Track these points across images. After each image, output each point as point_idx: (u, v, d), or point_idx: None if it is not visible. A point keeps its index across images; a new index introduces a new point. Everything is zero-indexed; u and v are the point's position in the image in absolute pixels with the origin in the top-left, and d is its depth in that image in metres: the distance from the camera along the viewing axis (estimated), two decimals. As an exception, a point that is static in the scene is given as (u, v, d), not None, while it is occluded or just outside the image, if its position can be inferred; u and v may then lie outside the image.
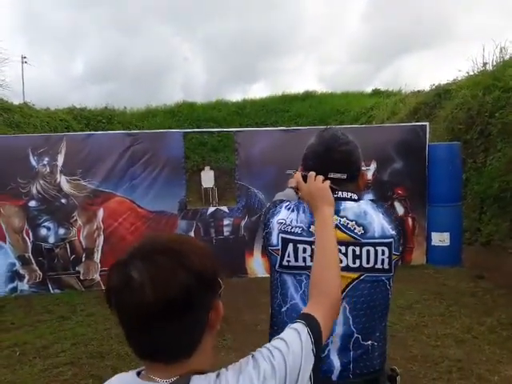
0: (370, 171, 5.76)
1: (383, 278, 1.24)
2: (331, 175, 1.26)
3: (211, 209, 5.83)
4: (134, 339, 0.73)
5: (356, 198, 1.29)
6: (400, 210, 5.89)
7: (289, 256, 1.24)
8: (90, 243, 5.35)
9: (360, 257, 1.22)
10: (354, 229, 1.24)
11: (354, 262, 1.22)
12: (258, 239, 5.50)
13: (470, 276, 5.28)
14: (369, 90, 19.66)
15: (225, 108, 18.44)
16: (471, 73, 8.80)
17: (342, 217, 1.25)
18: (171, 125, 15.34)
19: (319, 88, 24.14)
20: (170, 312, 0.69)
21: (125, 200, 5.34)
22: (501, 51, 8.25)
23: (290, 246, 1.24)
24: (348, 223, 1.24)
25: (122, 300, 0.70)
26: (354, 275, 1.22)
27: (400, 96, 14.13)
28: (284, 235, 1.25)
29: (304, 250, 1.23)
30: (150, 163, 5.42)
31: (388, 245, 1.23)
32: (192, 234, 5.51)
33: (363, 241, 1.23)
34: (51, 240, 5.26)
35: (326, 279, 0.99)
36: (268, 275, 1.39)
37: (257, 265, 5.59)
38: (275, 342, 0.80)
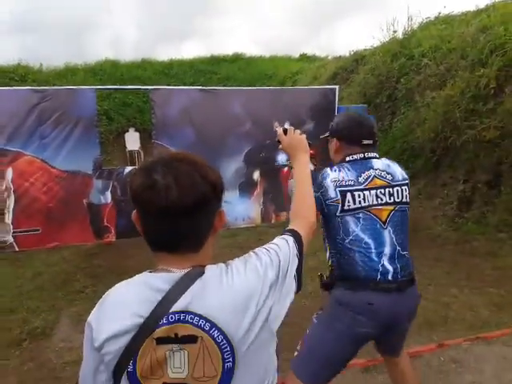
0: (283, 131, 6.04)
1: (406, 208, 1.81)
2: (364, 142, 1.83)
3: (128, 168, 5.81)
4: (153, 233, 0.87)
5: (378, 156, 1.86)
6: (310, 168, 6.29)
7: (349, 202, 1.73)
8: (0, 204, 5.16)
9: (393, 194, 1.77)
10: (386, 176, 1.79)
11: (390, 199, 1.76)
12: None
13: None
14: (297, 55, 19.86)
15: (151, 68, 17.67)
16: (384, 40, 9.31)
17: (376, 169, 1.79)
18: (93, 84, 14.45)
19: (255, 51, 23.70)
20: (188, 212, 0.83)
21: (35, 159, 5.16)
22: (409, 19, 8.80)
23: (349, 195, 1.73)
24: (381, 173, 1.79)
25: (147, 199, 0.82)
26: (392, 207, 1.76)
27: (324, 61, 14.54)
28: (341, 188, 1.74)
29: (359, 196, 1.73)
30: (60, 121, 5.23)
31: (407, 185, 1.82)
32: (108, 193, 5.51)
33: (393, 183, 1.78)
34: (-46, 202, 4.99)
35: (306, 207, 1.25)
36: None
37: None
38: (269, 245, 1.01)
